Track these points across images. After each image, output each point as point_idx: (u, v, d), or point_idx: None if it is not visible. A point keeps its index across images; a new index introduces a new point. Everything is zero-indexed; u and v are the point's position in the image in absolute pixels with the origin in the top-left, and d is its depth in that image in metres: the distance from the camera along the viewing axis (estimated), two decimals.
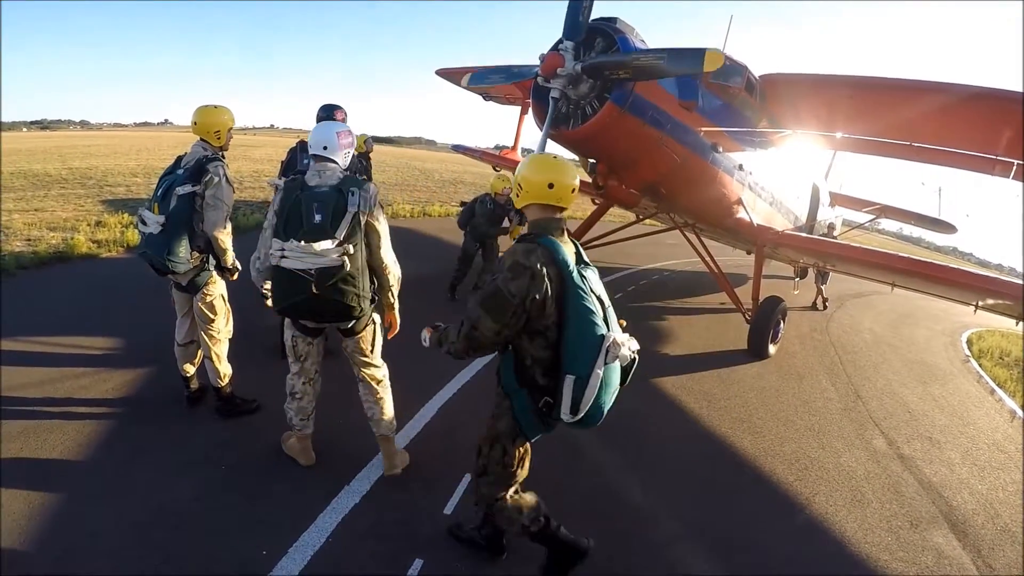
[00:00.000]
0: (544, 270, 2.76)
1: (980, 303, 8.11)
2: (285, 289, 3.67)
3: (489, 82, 8.29)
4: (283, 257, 3.56)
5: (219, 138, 4.61)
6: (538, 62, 6.81)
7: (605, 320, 2.81)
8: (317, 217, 3.56)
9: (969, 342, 13.27)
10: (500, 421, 3.09)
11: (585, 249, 10.10)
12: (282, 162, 7.03)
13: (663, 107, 7.17)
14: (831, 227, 13.13)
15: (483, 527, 3.63)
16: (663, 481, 4.87)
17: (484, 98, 14.53)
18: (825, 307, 13.48)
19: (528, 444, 3.20)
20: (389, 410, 4.21)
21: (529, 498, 3.32)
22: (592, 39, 6.77)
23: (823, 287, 13.37)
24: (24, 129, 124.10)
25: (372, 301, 3.88)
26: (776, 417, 6.53)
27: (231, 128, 4.69)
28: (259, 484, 4.04)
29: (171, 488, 3.90)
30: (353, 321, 3.86)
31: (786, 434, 6.13)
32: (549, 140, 7.55)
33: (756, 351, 8.62)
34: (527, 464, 3.25)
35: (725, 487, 4.98)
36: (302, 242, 3.52)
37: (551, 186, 2.90)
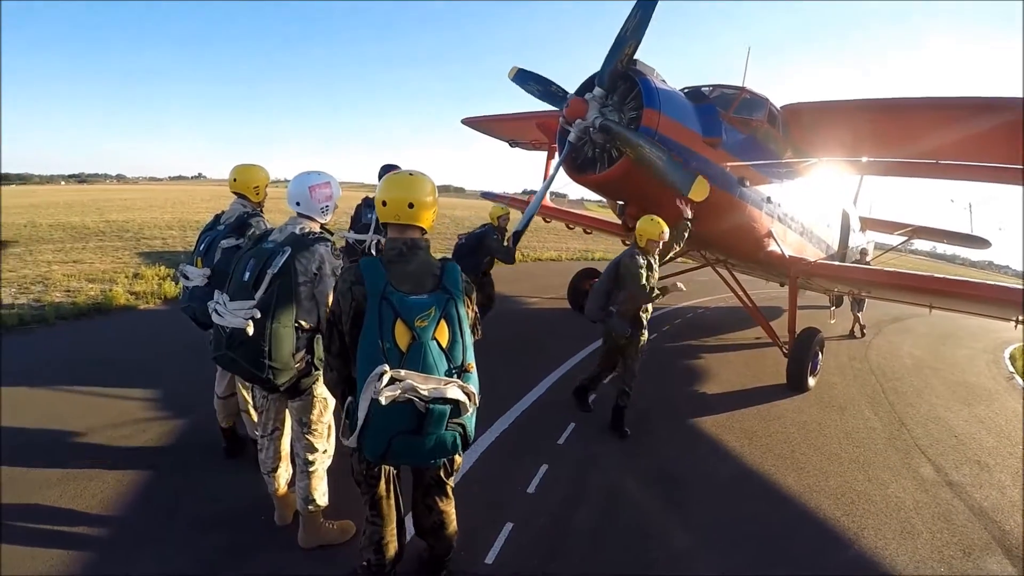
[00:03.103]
0: (351, 288, 2.82)
1: (1020, 317, 7.98)
2: (213, 341, 3.66)
3: (528, 88, 8.22)
4: (214, 311, 3.54)
5: (258, 193, 4.83)
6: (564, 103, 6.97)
7: (420, 352, 2.65)
8: (246, 275, 3.49)
9: (1012, 358, 13.08)
10: None
11: None
12: (352, 216, 7.17)
13: (688, 145, 7.22)
14: (863, 253, 13.02)
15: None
16: (705, 523, 4.82)
17: (511, 145, 14.76)
18: (863, 334, 13.37)
19: (377, 469, 3.10)
20: (316, 488, 3.89)
21: (391, 549, 3.25)
22: (614, 83, 6.89)
23: (859, 314, 13.26)
24: (62, 183, 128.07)
25: (307, 374, 3.68)
26: (819, 451, 6.47)
27: (267, 184, 4.92)
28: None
29: (209, 539, 3.95)
30: (270, 385, 3.58)
31: (830, 468, 6.07)
32: (578, 185, 7.66)
33: (795, 385, 8.57)
34: (380, 495, 3.16)
35: (770, 527, 4.90)
36: (226, 298, 3.52)
37: (384, 204, 2.94)
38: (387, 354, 2.62)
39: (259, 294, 3.42)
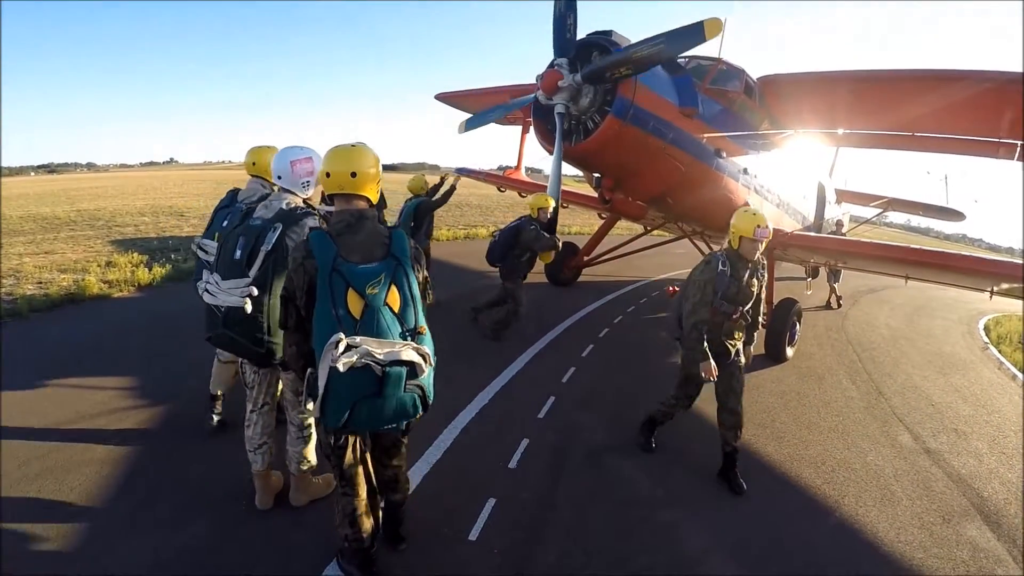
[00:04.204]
0: (303, 263, 2.89)
1: (995, 288, 8.05)
2: (206, 321, 3.70)
3: (487, 122, 8.39)
4: (205, 291, 3.57)
5: None
6: (535, 83, 6.87)
7: (374, 318, 2.78)
8: (237, 253, 3.52)
9: (986, 329, 13.26)
10: None
11: (595, 264, 9.78)
12: None
13: (664, 116, 7.20)
14: (839, 224, 13.11)
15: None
16: (686, 493, 4.83)
17: None
18: (840, 305, 13.48)
19: (344, 439, 3.14)
20: (310, 450, 4.05)
21: (367, 522, 3.30)
22: (588, 55, 6.83)
23: (836, 285, 13.37)
24: (31, 174, 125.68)
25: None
26: (798, 421, 6.49)
27: None
28: (281, 517, 4.02)
29: (191, 525, 3.89)
30: (267, 359, 3.69)
31: (810, 437, 6.09)
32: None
33: (774, 355, 8.59)
34: (348, 464, 3.19)
35: (752, 496, 4.89)
36: (218, 277, 3.54)
37: (328, 175, 3.02)
38: (341, 322, 2.74)
39: (253, 271, 3.45)
